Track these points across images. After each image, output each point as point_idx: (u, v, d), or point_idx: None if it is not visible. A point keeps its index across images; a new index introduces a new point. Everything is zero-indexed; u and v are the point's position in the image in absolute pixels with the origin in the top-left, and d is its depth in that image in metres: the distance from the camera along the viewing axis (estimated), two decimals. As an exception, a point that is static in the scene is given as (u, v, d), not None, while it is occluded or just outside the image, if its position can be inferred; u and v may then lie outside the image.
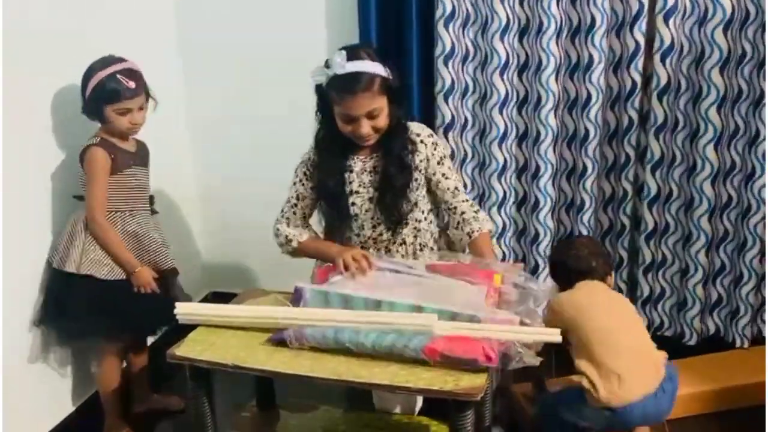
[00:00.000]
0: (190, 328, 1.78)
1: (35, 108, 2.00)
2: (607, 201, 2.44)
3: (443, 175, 1.94)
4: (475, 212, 1.96)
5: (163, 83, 2.18)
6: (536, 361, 1.54)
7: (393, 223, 1.92)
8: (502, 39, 2.27)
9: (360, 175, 1.90)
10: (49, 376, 2.11)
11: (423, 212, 1.96)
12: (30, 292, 2.01)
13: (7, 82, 1.86)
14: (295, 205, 1.97)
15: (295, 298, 1.77)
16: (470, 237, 1.94)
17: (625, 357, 1.72)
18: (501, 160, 2.41)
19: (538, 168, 2.38)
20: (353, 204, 1.91)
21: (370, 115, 1.78)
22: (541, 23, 2.23)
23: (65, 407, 2.18)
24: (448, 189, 1.95)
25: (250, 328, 1.74)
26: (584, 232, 2.42)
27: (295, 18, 2.53)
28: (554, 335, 1.61)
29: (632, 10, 2.15)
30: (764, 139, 2.17)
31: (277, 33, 2.54)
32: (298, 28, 2.52)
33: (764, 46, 2.10)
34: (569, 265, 1.91)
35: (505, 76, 2.32)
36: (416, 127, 1.94)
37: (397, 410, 2.04)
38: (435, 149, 1.93)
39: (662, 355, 1.80)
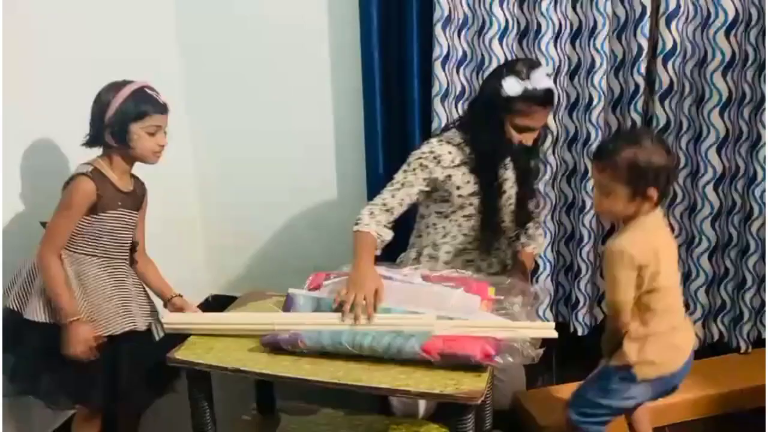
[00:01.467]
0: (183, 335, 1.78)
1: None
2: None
3: None
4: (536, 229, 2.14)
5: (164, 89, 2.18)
6: (537, 354, 1.55)
7: (522, 224, 2.05)
8: (500, 42, 2.27)
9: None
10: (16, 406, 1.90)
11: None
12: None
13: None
14: (393, 197, 1.91)
15: (287, 304, 1.77)
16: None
17: (679, 314, 1.65)
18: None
19: (538, 170, 2.37)
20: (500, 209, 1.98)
21: (534, 129, 1.87)
22: (539, 26, 2.22)
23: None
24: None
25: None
26: (585, 234, 2.40)
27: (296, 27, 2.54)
28: (550, 330, 1.60)
29: (636, 12, 2.15)
30: (764, 144, 2.16)
31: (277, 40, 2.56)
32: (298, 37, 2.54)
33: (765, 49, 2.09)
34: (670, 173, 1.60)
35: None
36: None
37: (421, 413, 2.04)
38: None
39: None
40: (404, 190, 1.91)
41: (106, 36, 2.22)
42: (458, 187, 1.93)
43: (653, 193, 1.54)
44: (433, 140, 1.96)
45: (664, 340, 1.61)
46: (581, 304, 2.49)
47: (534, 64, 1.84)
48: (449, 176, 1.92)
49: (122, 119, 1.71)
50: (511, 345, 1.54)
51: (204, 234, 2.90)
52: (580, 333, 2.51)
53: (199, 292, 2.88)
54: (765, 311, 2.37)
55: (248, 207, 2.77)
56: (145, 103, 1.72)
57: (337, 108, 2.58)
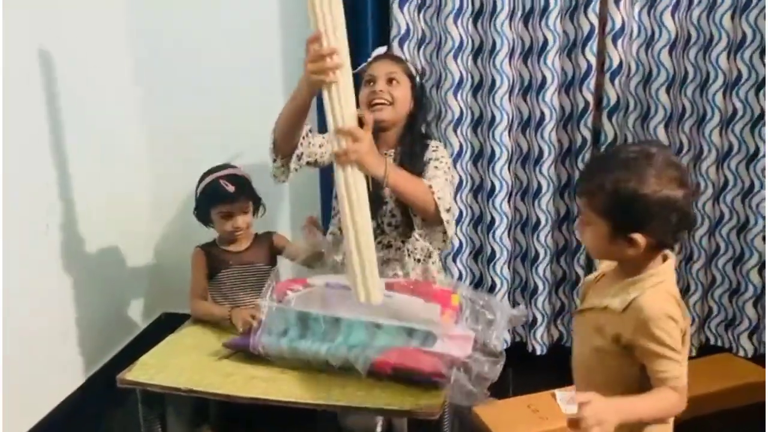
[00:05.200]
0: (141, 351, 1.74)
1: None
2: (562, 219, 2.49)
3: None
4: None
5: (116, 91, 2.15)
6: (494, 374, 1.53)
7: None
8: (455, 58, 2.30)
9: None
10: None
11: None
12: None
13: None
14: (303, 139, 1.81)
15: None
16: None
17: None
18: (456, 179, 2.43)
19: (493, 187, 2.41)
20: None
21: (389, 79, 1.85)
22: (494, 43, 2.27)
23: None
24: None
25: (204, 348, 1.72)
26: (541, 252, 2.44)
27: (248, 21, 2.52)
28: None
29: (583, 31, 2.21)
30: (706, 156, 2.25)
31: (231, 34, 2.54)
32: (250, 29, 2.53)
33: (706, 66, 2.18)
34: (687, 212, 1.22)
35: (459, 96, 2.34)
36: (437, 143, 1.98)
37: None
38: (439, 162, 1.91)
39: None
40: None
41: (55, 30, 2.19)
42: None
43: (639, 240, 1.20)
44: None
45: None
46: (539, 322, 2.51)
47: None
48: None
49: (203, 204, 2.06)
50: (466, 363, 1.54)
51: (155, 251, 2.84)
52: (538, 352, 2.53)
53: (151, 310, 2.83)
54: (711, 318, 2.45)
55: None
56: (215, 192, 2.02)
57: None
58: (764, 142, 2.20)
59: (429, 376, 1.49)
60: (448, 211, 1.75)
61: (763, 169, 2.22)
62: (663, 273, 1.25)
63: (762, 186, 2.24)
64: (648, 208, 1.17)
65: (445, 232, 1.78)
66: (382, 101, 1.84)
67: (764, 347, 2.40)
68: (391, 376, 1.52)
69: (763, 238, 2.28)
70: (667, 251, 1.28)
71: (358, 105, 1.64)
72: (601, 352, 1.28)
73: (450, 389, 1.49)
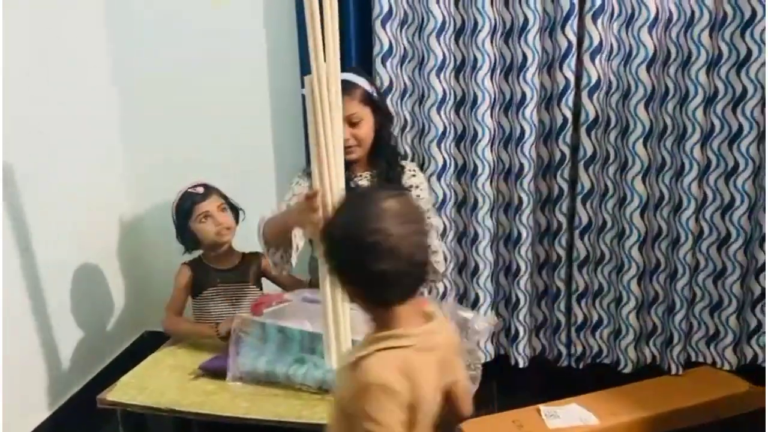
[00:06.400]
0: (123, 371, 1.73)
1: None
2: (543, 233, 2.49)
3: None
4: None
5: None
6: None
7: None
8: (438, 76, 2.31)
9: None
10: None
11: None
12: None
13: None
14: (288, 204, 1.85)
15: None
16: None
17: None
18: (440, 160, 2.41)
19: (476, 201, 2.41)
20: None
21: (351, 122, 1.82)
22: (475, 60, 2.27)
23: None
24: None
25: (185, 367, 1.70)
26: (522, 265, 2.44)
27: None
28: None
29: (561, 49, 2.23)
30: (688, 172, 2.28)
31: (216, 59, 2.54)
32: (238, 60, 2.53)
33: (684, 82, 2.21)
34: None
35: (442, 112, 2.35)
36: (412, 165, 2.04)
37: None
38: (421, 190, 1.98)
39: None
40: None
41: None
42: None
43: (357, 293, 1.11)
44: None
45: None
46: (521, 335, 2.51)
47: None
48: None
49: (182, 223, 2.05)
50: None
51: (137, 269, 2.82)
52: (521, 365, 2.53)
53: (132, 329, 2.80)
54: (693, 335, 2.47)
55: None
56: (186, 200, 2.02)
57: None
58: (744, 157, 2.22)
59: None
60: (434, 253, 1.80)
61: (743, 184, 2.25)
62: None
63: (742, 200, 2.27)
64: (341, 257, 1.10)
65: (435, 271, 1.88)
66: (350, 147, 1.84)
67: (746, 359, 2.42)
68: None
69: (761, 247, 2.30)
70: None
71: None
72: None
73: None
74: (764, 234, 2.28)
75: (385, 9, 2.26)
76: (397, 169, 1.96)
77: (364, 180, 1.95)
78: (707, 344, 2.48)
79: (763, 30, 2.10)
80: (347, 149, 1.80)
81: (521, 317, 2.50)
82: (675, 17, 2.18)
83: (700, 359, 2.49)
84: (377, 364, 1.05)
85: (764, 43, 2.11)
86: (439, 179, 2.41)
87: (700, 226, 2.36)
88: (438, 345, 1.12)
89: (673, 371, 2.45)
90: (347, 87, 1.76)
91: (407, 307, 1.09)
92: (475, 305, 2.49)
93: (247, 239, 2.13)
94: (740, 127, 2.21)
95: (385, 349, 1.06)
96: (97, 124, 2.55)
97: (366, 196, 1.16)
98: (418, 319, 1.11)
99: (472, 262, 2.48)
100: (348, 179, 1.88)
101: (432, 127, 2.36)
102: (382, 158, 1.93)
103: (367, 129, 1.88)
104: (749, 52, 2.13)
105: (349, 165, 1.82)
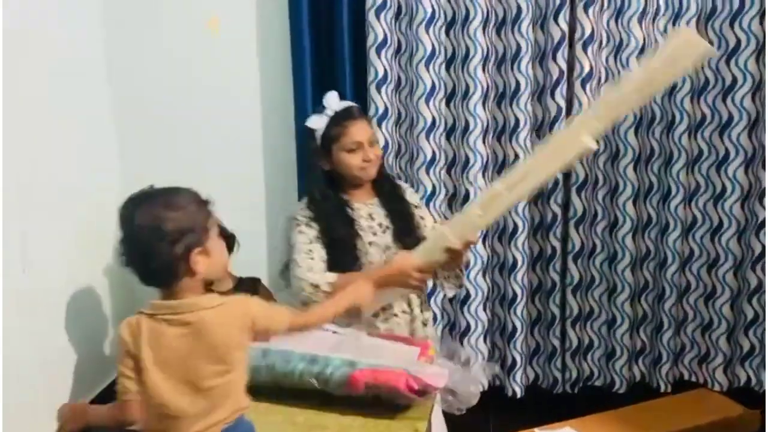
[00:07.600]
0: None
1: None
2: (536, 258, 2.51)
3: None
4: None
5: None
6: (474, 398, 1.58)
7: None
8: (427, 68, 2.28)
9: (369, 220, 1.93)
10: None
11: None
12: None
13: None
14: (310, 250, 1.86)
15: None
16: None
17: None
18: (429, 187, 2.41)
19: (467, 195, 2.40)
20: (367, 252, 1.90)
21: (371, 143, 1.90)
22: (467, 52, 2.28)
23: None
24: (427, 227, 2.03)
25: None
26: (519, 292, 2.43)
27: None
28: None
29: (552, 76, 2.27)
30: (674, 195, 2.35)
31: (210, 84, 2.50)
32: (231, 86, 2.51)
33: (671, 108, 2.28)
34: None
35: (431, 103, 2.32)
36: (406, 185, 2.13)
37: None
38: (422, 210, 2.06)
39: None
40: None
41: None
42: None
43: None
44: None
45: None
46: (518, 364, 2.50)
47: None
48: None
49: None
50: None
51: (131, 292, 2.77)
52: (518, 395, 2.52)
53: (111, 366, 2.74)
54: (684, 354, 2.51)
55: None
56: None
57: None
58: (731, 180, 2.29)
59: (400, 391, 1.54)
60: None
61: (731, 207, 2.31)
62: None
63: (730, 223, 2.33)
64: None
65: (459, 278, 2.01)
66: (372, 168, 1.92)
67: (739, 381, 2.46)
68: (364, 395, 1.57)
69: (762, 269, 2.35)
70: None
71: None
72: None
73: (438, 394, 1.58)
74: (755, 256, 2.35)
75: (380, 37, 2.29)
76: (393, 186, 2.01)
77: (370, 207, 1.95)
78: (699, 364, 2.52)
79: (748, 57, 2.18)
80: (370, 169, 1.91)
81: (518, 346, 2.49)
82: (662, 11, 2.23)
83: (693, 379, 2.53)
84: None
85: (749, 71, 2.19)
86: (427, 205, 2.38)
87: (690, 248, 2.41)
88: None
89: (662, 389, 2.49)
90: (360, 112, 1.94)
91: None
92: (465, 335, 2.49)
93: (247, 264, 2.12)
94: (726, 152, 2.28)
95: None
96: (93, 142, 2.45)
97: None
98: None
99: (464, 290, 2.45)
100: (348, 204, 1.92)
101: (421, 153, 2.35)
102: (384, 179, 1.99)
103: (378, 149, 1.97)
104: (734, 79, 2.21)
105: (356, 190, 1.94)
